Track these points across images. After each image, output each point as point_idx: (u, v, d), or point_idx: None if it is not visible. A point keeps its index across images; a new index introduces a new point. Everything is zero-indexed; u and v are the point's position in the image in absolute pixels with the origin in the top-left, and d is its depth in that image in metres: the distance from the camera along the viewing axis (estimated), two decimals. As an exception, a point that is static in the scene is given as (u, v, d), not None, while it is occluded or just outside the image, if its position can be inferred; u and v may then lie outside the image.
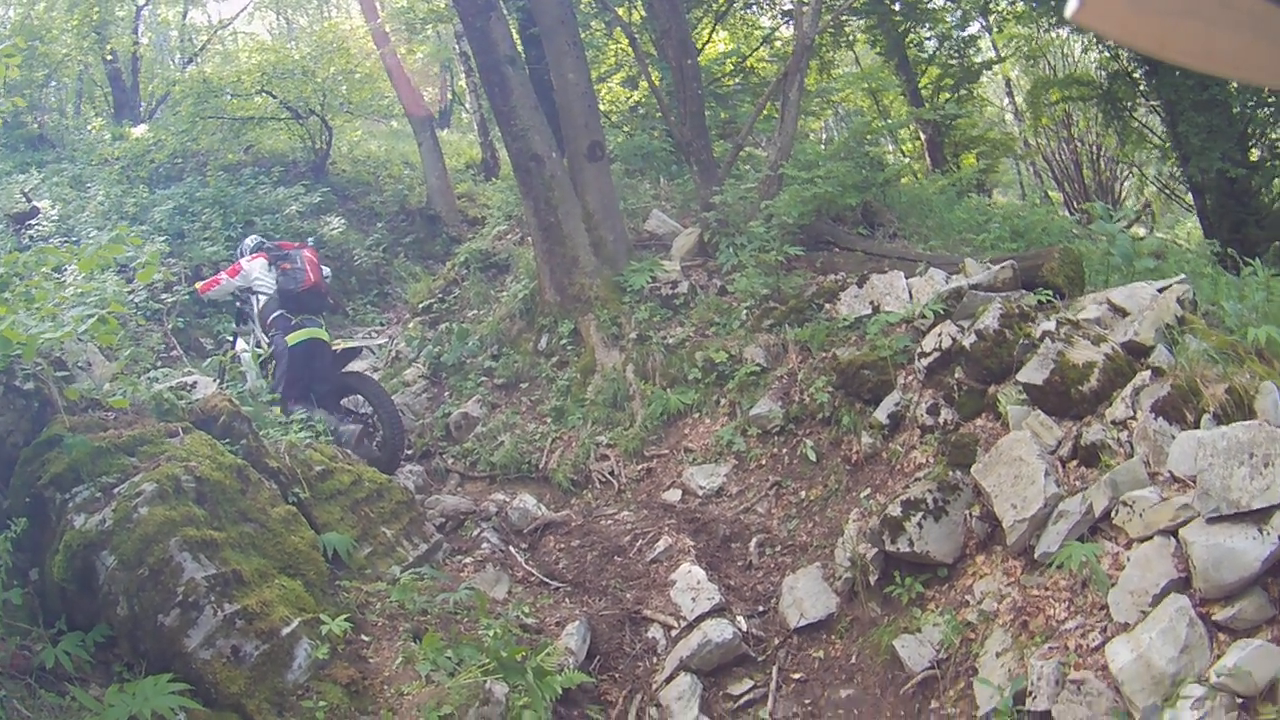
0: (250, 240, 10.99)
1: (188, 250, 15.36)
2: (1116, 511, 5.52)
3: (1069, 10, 1.02)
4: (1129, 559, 5.20)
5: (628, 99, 22.41)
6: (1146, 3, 1.00)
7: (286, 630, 5.69)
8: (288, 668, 5.55)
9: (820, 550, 7.77)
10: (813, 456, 8.76)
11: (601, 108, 15.73)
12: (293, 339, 9.68)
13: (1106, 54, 22.59)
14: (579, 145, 12.50)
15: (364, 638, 6.30)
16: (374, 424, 10.13)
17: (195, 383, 7.75)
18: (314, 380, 9.97)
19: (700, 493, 9.14)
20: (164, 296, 13.18)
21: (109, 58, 25.03)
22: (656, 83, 13.86)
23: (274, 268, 10.17)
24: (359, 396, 10.39)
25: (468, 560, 8.32)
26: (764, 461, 9.16)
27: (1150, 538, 5.17)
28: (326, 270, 10.85)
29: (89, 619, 5.48)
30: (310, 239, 12.13)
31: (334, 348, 10.20)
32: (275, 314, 9.94)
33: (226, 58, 27.98)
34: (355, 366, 11.66)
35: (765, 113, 15.01)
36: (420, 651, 5.97)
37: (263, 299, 10.14)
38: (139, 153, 19.75)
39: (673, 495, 9.28)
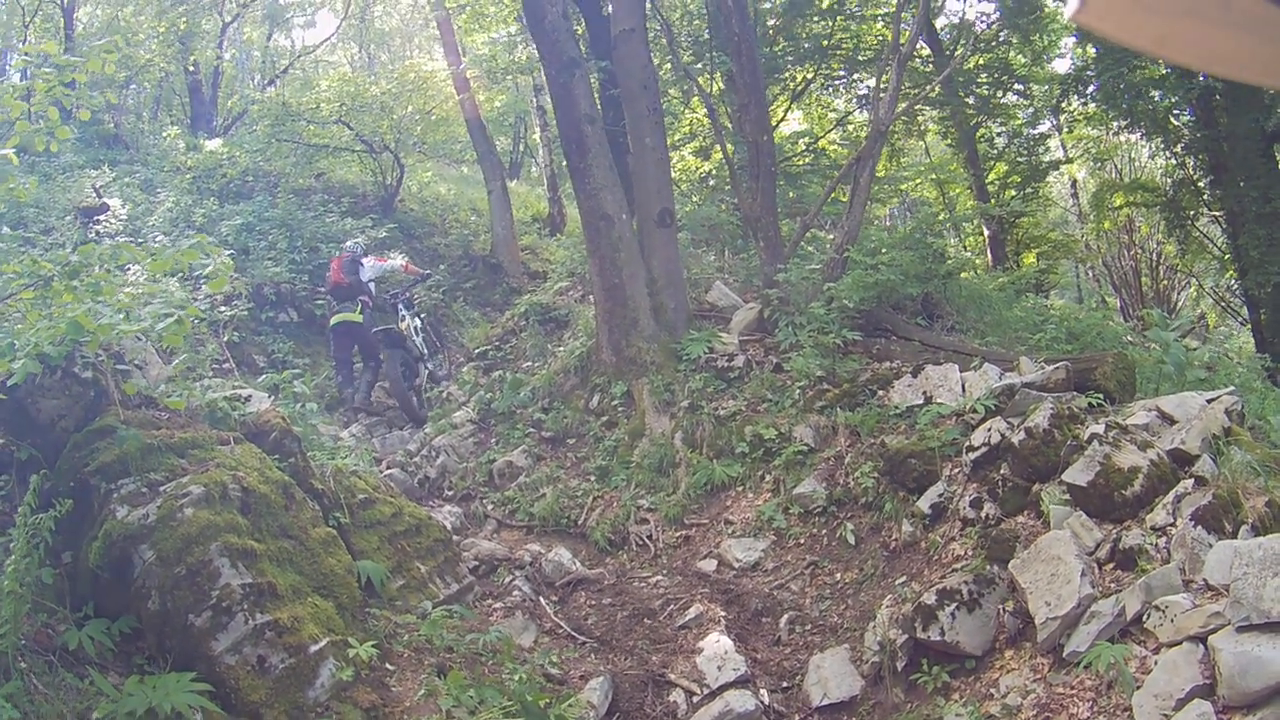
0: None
1: (251, 267, 15.73)
2: (1148, 615, 5.51)
3: (1069, 11, 1.06)
4: (1157, 663, 5.20)
5: (699, 169, 22.65)
6: (1147, 2, 1.05)
7: (314, 648, 5.80)
8: (310, 684, 5.65)
9: (850, 633, 7.74)
10: (852, 540, 8.75)
11: (673, 175, 15.91)
12: (333, 320, 12.93)
13: (1173, 161, 22.52)
14: (649, 210, 12.69)
15: (388, 666, 6.37)
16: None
17: (250, 396, 7.95)
18: (355, 347, 13.72)
19: (736, 565, 9.14)
20: (223, 309, 13.45)
21: (191, 69, 25.75)
22: (731, 155, 14.02)
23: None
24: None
25: (497, 605, 8.38)
26: (803, 540, 9.16)
27: (1179, 643, 5.16)
28: (369, 268, 14.08)
29: (117, 608, 5.61)
30: (354, 245, 14.69)
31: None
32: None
33: (306, 84, 28.42)
34: None
35: (834, 195, 15.13)
36: (443, 687, 6.03)
37: None
38: (211, 165, 20.26)
39: (708, 565, 9.29)
